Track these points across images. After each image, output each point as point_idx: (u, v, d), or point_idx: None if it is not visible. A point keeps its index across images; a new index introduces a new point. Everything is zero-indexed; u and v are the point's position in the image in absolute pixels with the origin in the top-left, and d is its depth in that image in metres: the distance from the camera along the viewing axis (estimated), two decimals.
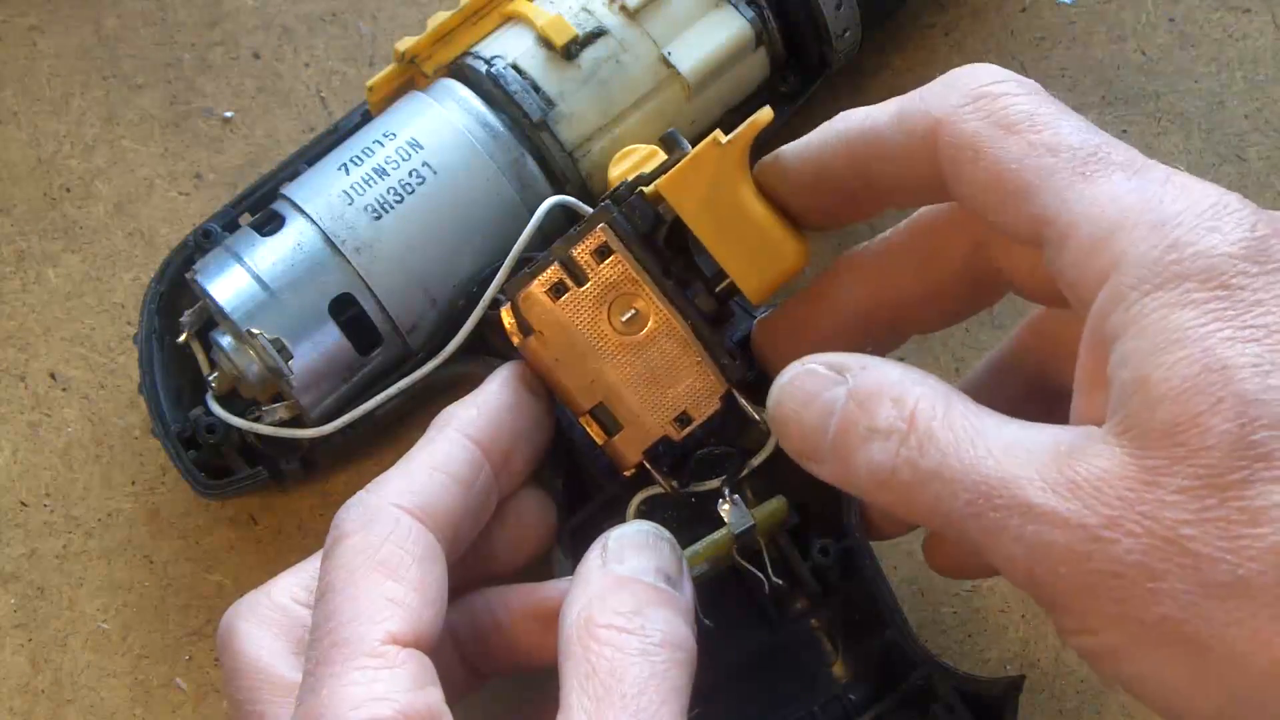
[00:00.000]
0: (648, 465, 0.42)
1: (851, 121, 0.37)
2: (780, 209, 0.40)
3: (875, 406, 0.33)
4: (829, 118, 0.38)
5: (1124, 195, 0.31)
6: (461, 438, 0.39)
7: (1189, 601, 0.28)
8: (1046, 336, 0.40)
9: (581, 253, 0.41)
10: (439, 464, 0.38)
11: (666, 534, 0.38)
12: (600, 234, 0.40)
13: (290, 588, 0.39)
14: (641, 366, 0.41)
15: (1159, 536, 0.28)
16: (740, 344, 0.43)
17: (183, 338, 0.46)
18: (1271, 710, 0.28)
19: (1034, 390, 0.40)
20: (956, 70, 0.35)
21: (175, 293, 0.47)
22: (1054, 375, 0.38)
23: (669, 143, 0.42)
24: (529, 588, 0.41)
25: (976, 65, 0.36)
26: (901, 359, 0.50)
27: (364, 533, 0.36)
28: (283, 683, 0.36)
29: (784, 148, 0.39)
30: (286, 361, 0.43)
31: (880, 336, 0.40)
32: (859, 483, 0.33)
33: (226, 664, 0.38)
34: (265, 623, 0.38)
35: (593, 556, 0.37)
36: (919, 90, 0.35)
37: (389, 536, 0.36)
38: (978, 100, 0.34)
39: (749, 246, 0.40)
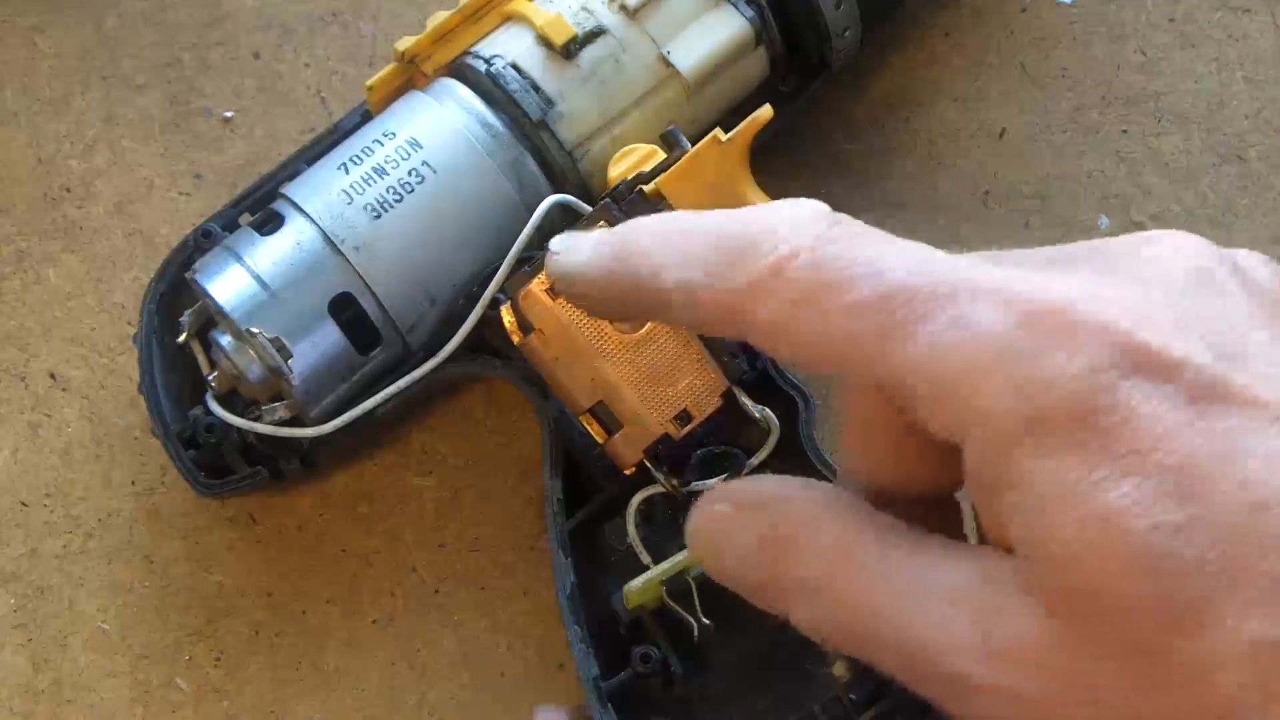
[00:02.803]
0: (648, 464, 0.42)
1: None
2: None
3: (791, 558, 0.31)
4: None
5: (961, 341, 0.28)
6: None
7: None
8: None
9: None
10: None
11: None
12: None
13: None
14: (641, 365, 0.41)
15: (1096, 705, 0.27)
16: (740, 342, 0.43)
17: (183, 338, 0.46)
18: None
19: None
20: (748, 226, 0.31)
21: (175, 293, 0.47)
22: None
23: (669, 141, 0.42)
24: None
25: (770, 218, 0.31)
26: None
27: None
28: None
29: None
30: (286, 361, 0.43)
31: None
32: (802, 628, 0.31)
33: None
34: None
35: None
36: (717, 259, 0.31)
37: None
38: (774, 277, 0.30)
39: None
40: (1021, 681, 0.27)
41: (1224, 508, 0.26)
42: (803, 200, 0.31)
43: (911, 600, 0.29)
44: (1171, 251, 0.30)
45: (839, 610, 0.30)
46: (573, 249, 0.34)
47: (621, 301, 0.33)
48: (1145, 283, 0.29)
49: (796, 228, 0.30)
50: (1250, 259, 0.30)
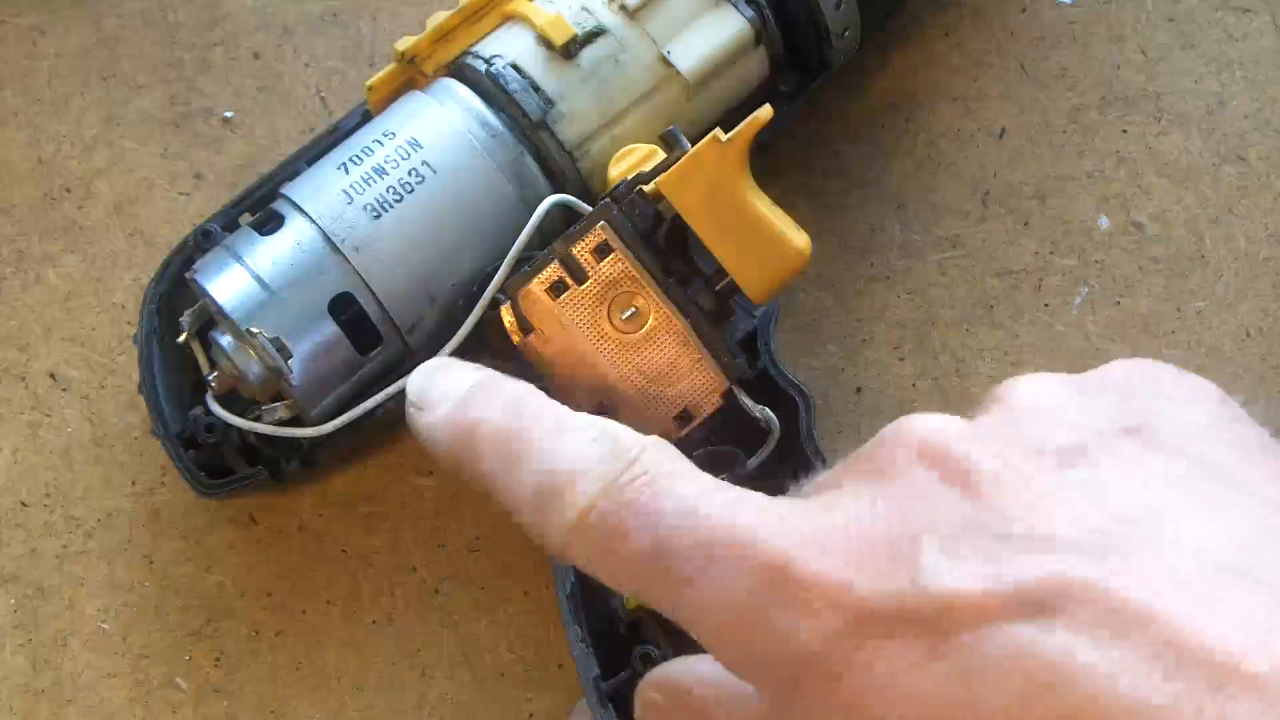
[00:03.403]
0: None
1: None
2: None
3: None
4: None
5: (714, 607, 0.31)
6: None
7: None
8: None
9: (581, 251, 0.41)
10: None
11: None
12: (600, 232, 0.40)
13: None
14: (642, 364, 0.41)
15: None
16: (741, 342, 0.43)
17: (183, 338, 0.46)
18: None
19: None
20: (558, 469, 0.34)
21: (175, 293, 0.47)
22: None
23: (669, 141, 0.42)
24: None
25: (577, 459, 0.34)
26: (902, 359, 0.51)
27: None
28: None
29: None
30: (286, 361, 0.43)
31: None
32: None
33: None
34: None
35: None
36: None
37: None
38: (575, 530, 0.33)
39: (749, 244, 0.40)
40: None
41: None
42: (605, 429, 0.34)
43: None
44: (896, 457, 0.31)
45: None
46: (427, 404, 0.37)
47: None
48: (874, 506, 0.30)
49: (595, 473, 0.33)
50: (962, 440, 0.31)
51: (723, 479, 0.42)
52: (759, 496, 0.32)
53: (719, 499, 0.32)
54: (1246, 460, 0.31)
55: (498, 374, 0.38)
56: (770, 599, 0.29)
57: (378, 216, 0.44)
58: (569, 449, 0.34)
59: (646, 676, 0.37)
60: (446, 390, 0.37)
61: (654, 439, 0.34)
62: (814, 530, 0.30)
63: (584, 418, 0.35)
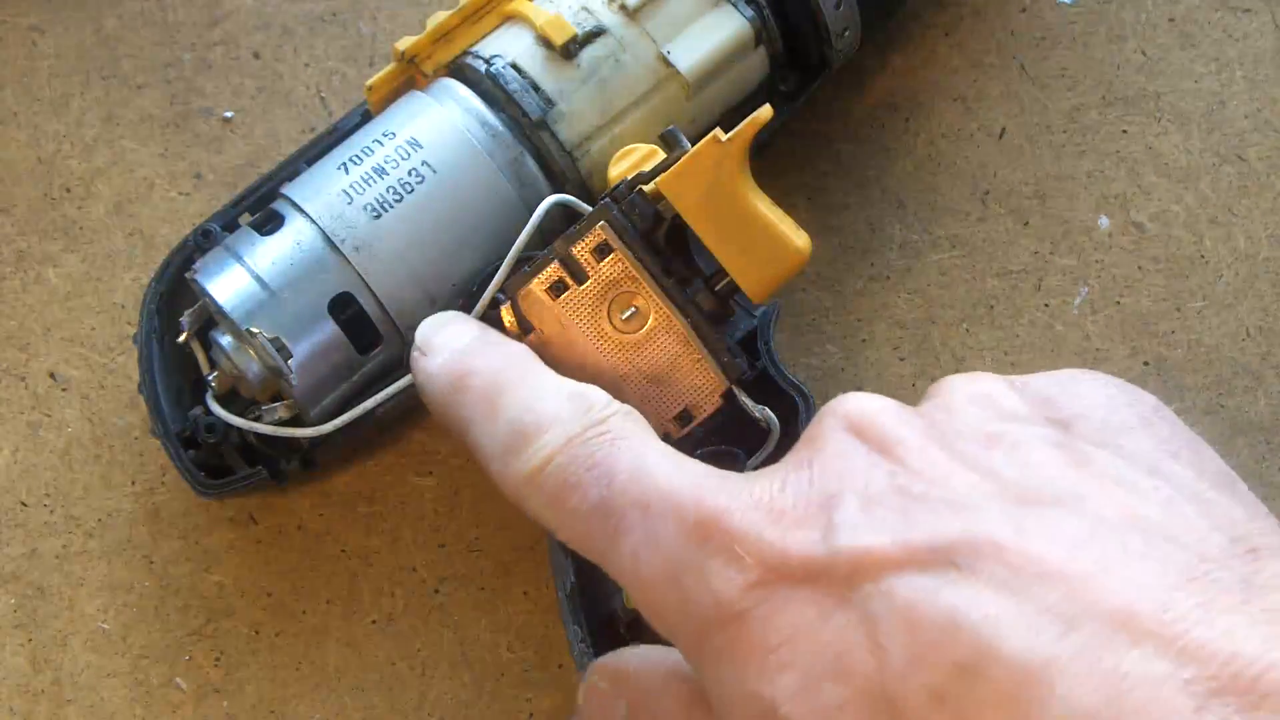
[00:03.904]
0: None
1: None
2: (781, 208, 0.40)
3: None
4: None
5: (649, 556, 0.33)
6: None
7: None
8: None
9: (581, 251, 0.41)
10: None
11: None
12: (600, 232, 0.40)
13: None
14: (642, 364, 0.41)
15: None
16: (741, 342, 0.43)
17: (182, 337, 0.46)
18: None
19: None
20: (528, 418, 0.36)
21: (175, 293, 0.47)
22: None
23: (669, 141, 0.42)
24: None
25: (549, 411, 0.36)
26: (902, 359, 0.51)
27: None
28: None
29: None
30: (286, 360, 0.43)
31: None
32: None
33: None
34: None
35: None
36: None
37: None
38: (533, 478, 0.36)
39: (749, 244, 0.40)
40: None
41: (865, 689, 0.28)
42: (582, 391, 0.37)
43: None
44: (826, 428, 0.33)
45: None
46: (430, 350, 0.40)
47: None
48: (807, 472, 0.32)
49: (561, 428, 0.35)
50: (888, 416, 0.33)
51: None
52: (709, 468, 0.34)
53: (670, 464, 0.34)
54: (1171, 456, 0.32)
55: (500, 334, 0.40)
56: (697, 551, 0.31)
57: (378, 216, 0.44)
58: (544, 405, 0.36)
59: (590, 666, 0.38)
60: (449, 340, 0.40)
61: (627, 408, 0.36)
62: (748, 492, 0.32)
63: (568, 382, 0.37)
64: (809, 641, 0.29)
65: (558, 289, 0.41)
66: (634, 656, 0.37)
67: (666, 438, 0.42)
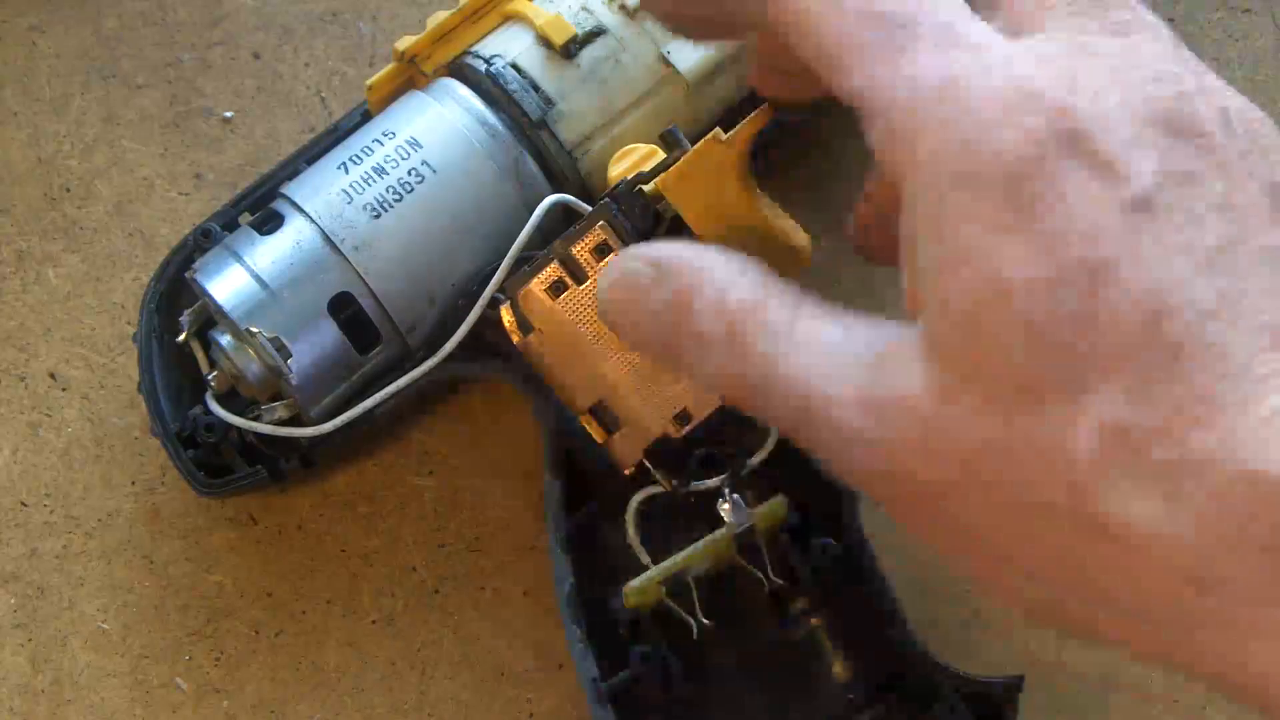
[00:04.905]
0: (648, 464, 0.42)
1: None
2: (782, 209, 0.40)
3: (696, 313, 0.31)
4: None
5: (925, 77, 0.29)
6: None
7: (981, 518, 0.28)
8: None
9: (581, 250, 0.41)
10: None
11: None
12: (600, 232, 0.40)
13: None
14: (641, 365, 0.41)
15: (960, 465, 0.27)
16: None
17: (182, 337, 0.46)
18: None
19: None
20: None
21: (175, 292, 0.47)
22: None
23: (669, 141, 0.42)
24: None
25: None
26: None
27: None
28: None
29: None
30: (286, 360, 0.43)
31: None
32: (700, 385, 0.33)
33: None
34: None
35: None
36: None
37: None
38: None
39: (749, 244, 0.40)
40: (894, 434, 0.28)
41: (1124, 312, 0.26)
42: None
43: (805, 355, 0.30)
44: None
45: (738, 364, 0.31)
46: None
47: None
48: (1124, 83, 0.29)
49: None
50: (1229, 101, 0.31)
51: (722, 480, 0.42)
52: None
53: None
54: None
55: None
56: (992, 104, 0.28)
57: (377, 216, 0.44)
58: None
59: (625, 250, 0.35)
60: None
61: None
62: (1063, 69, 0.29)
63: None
64: (1082, 240, 0.27)
65: (557, 289, 0.41)
66: (679, 247, 0.33)
67: (667, 438, 0.42)
